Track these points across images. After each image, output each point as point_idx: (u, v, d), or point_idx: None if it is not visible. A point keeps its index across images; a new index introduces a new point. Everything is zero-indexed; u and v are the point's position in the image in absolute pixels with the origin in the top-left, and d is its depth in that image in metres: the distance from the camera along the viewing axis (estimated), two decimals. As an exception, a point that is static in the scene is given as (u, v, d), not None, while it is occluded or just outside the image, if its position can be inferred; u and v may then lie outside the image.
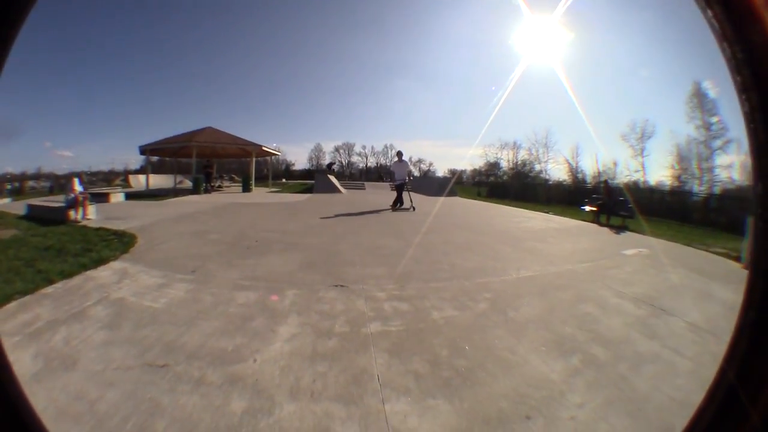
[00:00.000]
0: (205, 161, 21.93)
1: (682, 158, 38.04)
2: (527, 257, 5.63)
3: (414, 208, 11.25)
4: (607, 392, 2.25)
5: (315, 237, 6.11)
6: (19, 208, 9.03)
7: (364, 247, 5.42)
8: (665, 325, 3.54)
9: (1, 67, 0.67)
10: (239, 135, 21.85)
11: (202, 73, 75.52)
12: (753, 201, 0.64)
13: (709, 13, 0.63)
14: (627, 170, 41.87)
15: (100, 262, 4.12)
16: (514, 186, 39.00)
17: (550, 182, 44.61)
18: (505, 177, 50.44)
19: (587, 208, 13.56)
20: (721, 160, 35.64)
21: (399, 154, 12.32)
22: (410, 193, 12.22)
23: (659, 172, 48.99)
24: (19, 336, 2.37)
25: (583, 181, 43.26)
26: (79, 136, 70.27)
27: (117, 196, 13.05)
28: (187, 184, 21.39)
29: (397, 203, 11.70)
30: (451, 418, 1.81)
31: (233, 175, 28.31)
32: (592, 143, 52.38)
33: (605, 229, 10.89)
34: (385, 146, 66.00)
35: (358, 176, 52.03)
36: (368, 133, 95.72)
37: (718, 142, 35.70)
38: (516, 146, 51.04)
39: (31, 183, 29.10)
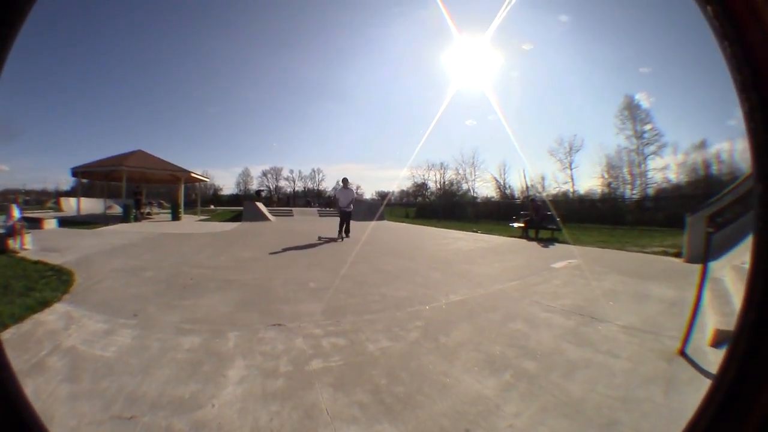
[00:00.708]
0: (135, 187, 20.98)
1: (612, 167, 40.99)
2: (456, 281, 5.87)
3: (343, 239, 11.04)
4: (541, 400, 2.43)
5: (247, 273, 6.14)
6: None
7: (297, 282, 5.52)
8: (596, 332, 3.72)
9: (1, 67, 0.68)
10: (167, 158, 21.51)
11: (130, 94, 71.66)
12: (753, 201, 0.65)
13: (709, 11, 0.64)
14: (556, 182, 45.05)
15: (45, 304, 4.00)
16: (443, 206, 40.39)
17: (479, 200, 46.65)
18: (432, 197, 51.99)
19: (515, 225, 14.28)
20: (655, 163, 38.93)
21: (344, 180, 12.09)
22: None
23: (589, 182, 53.36)
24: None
25: (512, 196, 45.17)
26: (17, 151, 66.84)
27: (50, 222, 13.06)
28: (117, 209, 20.70)
29: (343, 232, 11.34)
30: (399, 439, 1.99)
31: (161, 201, 26.96)
32: (520, 160, 55.95)
33: (534, 244, 11.20)
34: (313, 170, 66.83)
35: (285, 201, 51.73)
36: (296, 157, 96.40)
37: (652, 148, 38.92)
38: (443, 167, 52.77)
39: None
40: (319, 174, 65.49)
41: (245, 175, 65.10)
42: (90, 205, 22.14)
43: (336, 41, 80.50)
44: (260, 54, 78.22)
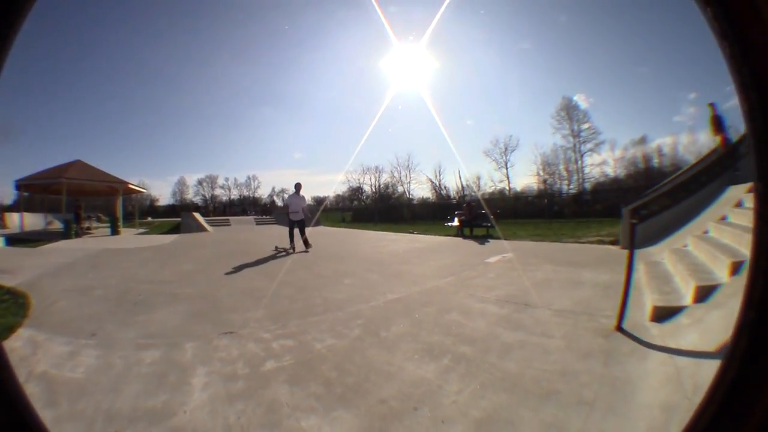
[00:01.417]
0: (74, 200, 19.85)
1: (548, 164, 43.03)
2: (393, 281, 6.11)
3: (295, 249, 10.14)
4: (480, 379, 2.66)
5: (192, 285, 6.20)
6: None
7: (241, 291, 5.68)
8: (530, 317, 3.93)
9: (1, 67, 0.69)
10: (102, 168, 20.77)
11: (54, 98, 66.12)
12: (753, 201, 0.65)
13: (709, 11, 0.64)
14: (492, 182, 46.86)
15: (10, 329, 3.97)
16: (379, 209, 41.16)
17: (415, 201, 47.72)
18: (368, 201, 52.07)
19: (451, 224, 14.71)
20: (592, 159, 41.41)
21: (297, 186, 10.91)
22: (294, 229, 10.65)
23: (526, 180, 55.77)
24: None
25: (447, 196, 46.35)
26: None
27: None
28: (57, 225, 19.57)
29: (294, 243, 10.34)
30: (355, 421, 2.24)
31: (100, 215, 25.57)
32: (456, 161, 57.71)
33: (469, 241, 11.52)
34: (248, 177, 64.50)
35: (222, 210, 50.60)
36: (231, 164, 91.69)
37: (589, 145, 41.31)
38: (378, 170, 52.78)
39: None
40: (254, 181, 63.72)
41: (181, 185, 62.28)
42: (32, 221, 20.88)
43: (268, 44, 77.75)
44: (191, 59, 74.43)
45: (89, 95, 66.24)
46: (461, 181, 46.43)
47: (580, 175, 41.38)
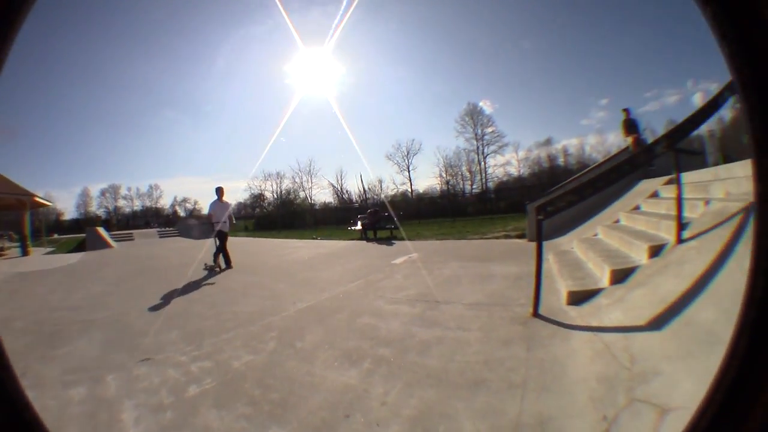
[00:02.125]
0: None
1: (450, 166, 45.41)
2: (301, 289, 6.20)
3: (222, 268, 9.17)
4: (404, 378, 2.72)
5: (102, 309, 6.07)
6: None
7: (150, 312, 5.63)
8: (443, 313, 4.01)
9: (1, 67, 0.68)
10: None
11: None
12: (753, 201, 0.65)
13: (709, 11, 0.63)
14: (394, 184, 48.97)
15: None
16: (281, 215, 41.87)
17: (317, 207, 48.90)
18: (270, 208, 52.30)
19: (354, 227, 14.88)
20: (495, 160, 44.29)
21: (219, 190, 9.55)
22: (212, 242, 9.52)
23: (428, 181, 58.07)
24: None
25: (350, 200, 47.97)
26: None
27: None
28: None
29: (220, 258, 9.27)
30: (290, 437, 2.25)
31: (11, 233, 23.11)
32: (358, 165, 58.73)
33: (373, 244, 11.67)
34: (150, 186, 61.62)
35: (125, 223, 48.87)
36: (133, 171, 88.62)
37: (493, 147, 44.06)
38: (280, 176, 53.10)
39: None
40: (156, 190, 61.05)
41: (85, 196, 58.46)
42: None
43: (170, 45, 73.39)
44: (83, 57, 67.92)
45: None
46: (363, 185, 47.96)
47: (483, 175, 44.18)
